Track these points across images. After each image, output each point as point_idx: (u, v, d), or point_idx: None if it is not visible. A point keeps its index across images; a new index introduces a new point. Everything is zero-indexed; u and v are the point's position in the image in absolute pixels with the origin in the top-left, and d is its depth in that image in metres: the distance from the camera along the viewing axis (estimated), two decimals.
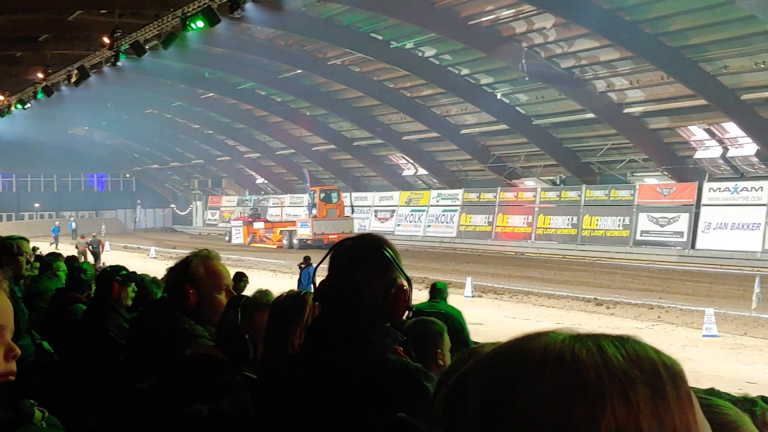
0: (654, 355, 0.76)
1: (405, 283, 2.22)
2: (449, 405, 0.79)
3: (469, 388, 0.78)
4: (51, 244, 45.13)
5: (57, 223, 57.00)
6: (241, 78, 48.04)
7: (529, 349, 0.77)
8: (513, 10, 32.79)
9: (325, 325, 2.20)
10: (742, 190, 33.94)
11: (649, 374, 0.74)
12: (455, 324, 7.54)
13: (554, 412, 0.72)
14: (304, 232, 46.26)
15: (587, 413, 0.71)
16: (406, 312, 2.23)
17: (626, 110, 36.01)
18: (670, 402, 0.73)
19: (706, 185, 35.23)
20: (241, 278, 11.63)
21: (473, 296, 22.48)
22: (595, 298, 21.57)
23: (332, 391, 2.06)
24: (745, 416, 1.40)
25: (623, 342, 0.76)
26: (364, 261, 2.20)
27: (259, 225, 52.55)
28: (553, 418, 0.72)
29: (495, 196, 44.61)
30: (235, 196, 70.73)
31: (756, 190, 33.43)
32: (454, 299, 19.59)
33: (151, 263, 31.98)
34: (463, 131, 44.40)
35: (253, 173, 68.89)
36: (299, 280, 19.99)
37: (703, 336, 15.84)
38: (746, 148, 34.48)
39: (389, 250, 2.23)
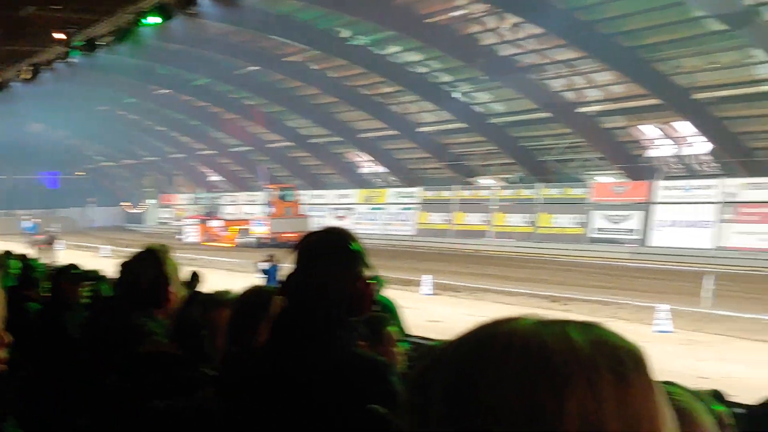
0: (618, 342, 0.76)
1: (371, 277, 2.20)
2: (415, 403, 0.79)
3: (431, 384, 0.77)
4: (36, 244, 40.62)
5: (32, 220, 53.93)
6: (197, 74, 47.63)
7: (494, 335, 0.77)
8: (471, 9, 32.94)
9: (291, 320, 2.16)
10: (693, 188, 34.52)
11: (614, 360, 0.74)
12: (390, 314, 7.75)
13: (520, 400, 0.72)
14: (260, 231, 45.94)
15: (553, 399, 0.71)
16: (372, 306, 2.22)
17: (581, 109, 36.43)
18: (634, 388, 0.74)
19: (659, 183, 35.77)
20: (195, 277, 11.46)
21: (432, 294, 22.55)
22: (551, 295, 21.77)
23: (300, 387, 2.03)
24: (699, 404, 1.41)
25: (588, 328, 0.77)
26: (330, 255, 2.18)
27: (214, 223, 52.10)
28: (520, 405, 0.72)
29: (453, 195, 44.82)
30: (189, 193, 70.12)
31: (707, 189, 34.02)
32: (412, 297, 19.65)
33: (105, 262, 31.54)
34: (422, 129, 44.53)
35: (208, 171, 68.37)
36: (267, 276, 19.78)
37: (657, 332, 16.06)
38: (699, 147, 35.09)
39: (356, 244, 2.21)
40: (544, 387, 0.72)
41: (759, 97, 30.60)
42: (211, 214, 55.22)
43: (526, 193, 41.27)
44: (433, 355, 0.81)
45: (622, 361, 0.75)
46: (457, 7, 33.24)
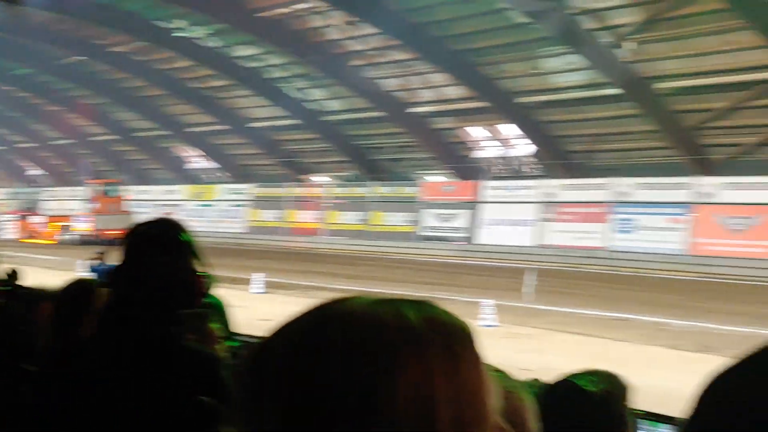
0: (449, 318, 0.80)
1: (202, 268, 2.15)
2: (245, 394, 0.78)
3: (262, 371, 0.77)
4: None
5: None
6: (17, 64, 45.19)
7: (329, 315, 0.79)
8: (305, 5, 32.94)
9: (119, 312, 2.07)
10: (517, 188, 36.01)
11: (444, 335, 0.78)
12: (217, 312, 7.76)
13: (355, 376, 0.74)
14: (82, 227, 44.19)
15: (386, 374, 0.74)
16: (202, 298, 2.16)
17: (414, 110, 37.18)
18: (461, 361, 0.77)
19: (486, 183, 37.07)
20: (13, 274, 10.83)
21: (263, 292, 22.36)
22: (381, 292, 22.09)
23: (128, 380, 1.94)
24: (518, 381, 1.48)
25: (421, 306, 0.80)
26: (161, 245, 2.11)
27: (34, 219, 49.67)
28: (354, 381, 0.73)
29: (285, 192, 44.68)
30: (8, 188, 66.39)
31: (530, 189, 35.59)
32: (243, 295, 19.38)
33: None
34: (254, 125, 44.11)
35: (28, 164, 65.03)
36: (96, 275, 18.82)
37: (483, 326, 16.61)
38: (522, 149, 36.64)
39: (186, 235, 2.14)
40: (378, 362, 0.74)
41: (576, 102, 32.30)
42: (31, 209, 52.56)
43: (359, 191, 41.71)
44: (264, 341, 0.80)
45: (452, 337, 0.78)
46: (291, 3, 33.13)
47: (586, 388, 2.33)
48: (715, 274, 27.64)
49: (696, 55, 28.07)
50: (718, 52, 27.52)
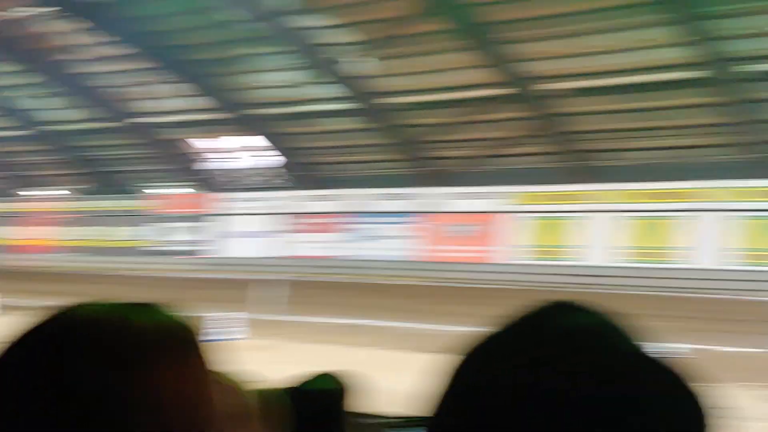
0: (173, 322, 0.81)
1: None
2: None
3: None
4: None
5: None
6: None
7: (46, 325, 0.77)
8: (29, 11, 31.04)
9: None
10: (251, 200, 36.08)
11: (169, 338, 0.79)
12: None
13: (76, 383, 0.72)
14: None
15: (111, 380, 0.72)
16: None
17: (146, 120, 36.18)
18: (187, 364, 0.79)
19: (218, 196, 36.80)
20: None
21: None
22: None
23: None
24: (246, 384, 1.54)
25: (145, 309, 0.81)
26: None
27: None
28: (76, 388, 0.71)
29: (5, 207, 41.76)
30: None
31: (260, 201, 35.85)
32: None
33: None
34: None
35: None
36: None
37: (228, 340, 16.41)
38: (259, 160, 36.65)
39: None
40: (102, 370, 0.73)
41: (314, 115, 32.97)
42: None
43: (86, 205, 39.84)
44: None
45: (177, 340, 0.80)
46: (12, 7, 31.06)
47: (307, 388, 2.60)
48: (444, 278, 29.28)
49: (423, 72, 29.64)
50: (442, 71, 29.23)
